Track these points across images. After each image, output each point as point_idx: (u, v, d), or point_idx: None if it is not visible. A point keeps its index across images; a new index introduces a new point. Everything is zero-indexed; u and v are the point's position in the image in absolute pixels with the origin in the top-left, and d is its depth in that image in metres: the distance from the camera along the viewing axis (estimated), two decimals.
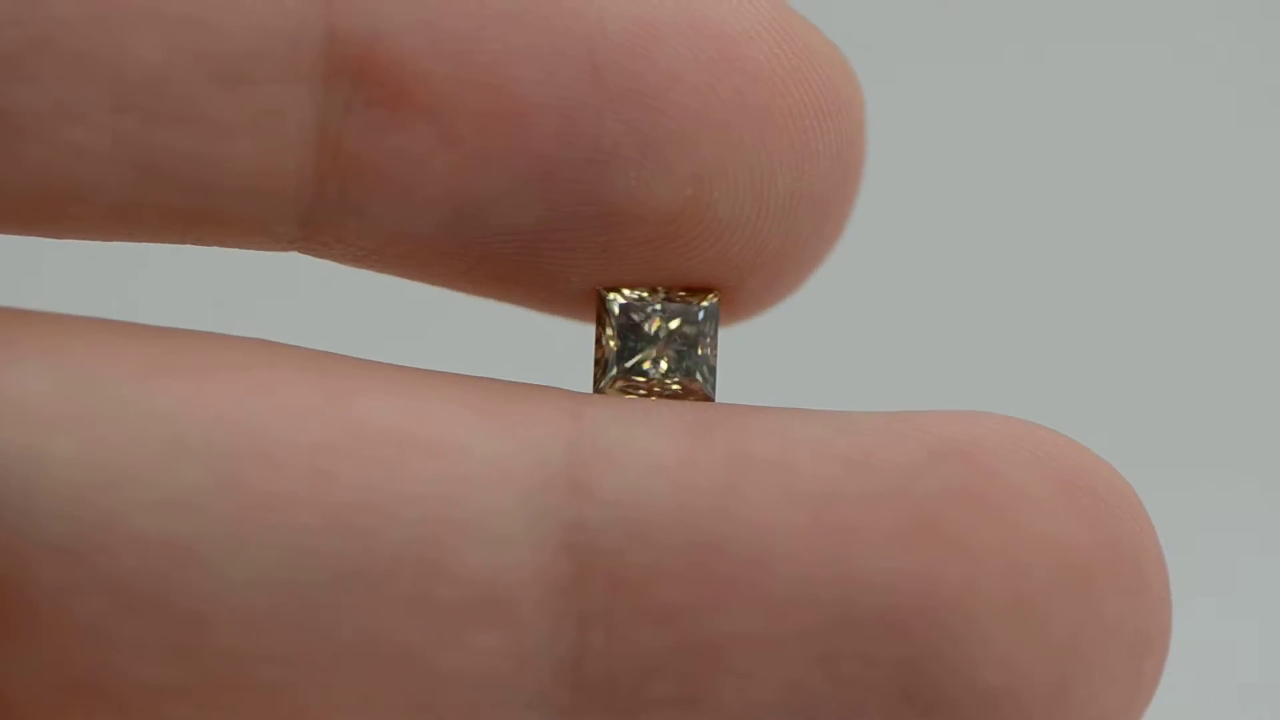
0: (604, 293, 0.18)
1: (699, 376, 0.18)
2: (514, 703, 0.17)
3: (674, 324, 0.18)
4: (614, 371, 0.18)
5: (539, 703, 0.17)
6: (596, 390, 0.18)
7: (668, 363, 0.18)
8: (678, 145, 0.17)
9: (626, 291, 0.18)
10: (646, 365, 0.18)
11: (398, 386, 0.17)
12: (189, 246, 0.18)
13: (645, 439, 0.17)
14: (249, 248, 0.18)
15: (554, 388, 0.17)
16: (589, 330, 0.18)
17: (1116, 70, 0.46)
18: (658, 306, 0.18)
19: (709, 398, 0.18)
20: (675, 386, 0.18)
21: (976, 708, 0.16)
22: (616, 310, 0.18)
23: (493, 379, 0.17)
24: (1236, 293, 0.46)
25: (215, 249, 0.18)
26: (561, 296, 0.18)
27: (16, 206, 0.17)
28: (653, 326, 0.18)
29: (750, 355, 0.23)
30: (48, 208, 0.17)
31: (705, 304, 0.18)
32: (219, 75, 0.17)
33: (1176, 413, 0.45)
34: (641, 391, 0.18)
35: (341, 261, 0.18)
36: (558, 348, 0.23)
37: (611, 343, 0.18)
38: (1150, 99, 0.46)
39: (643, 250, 0.18)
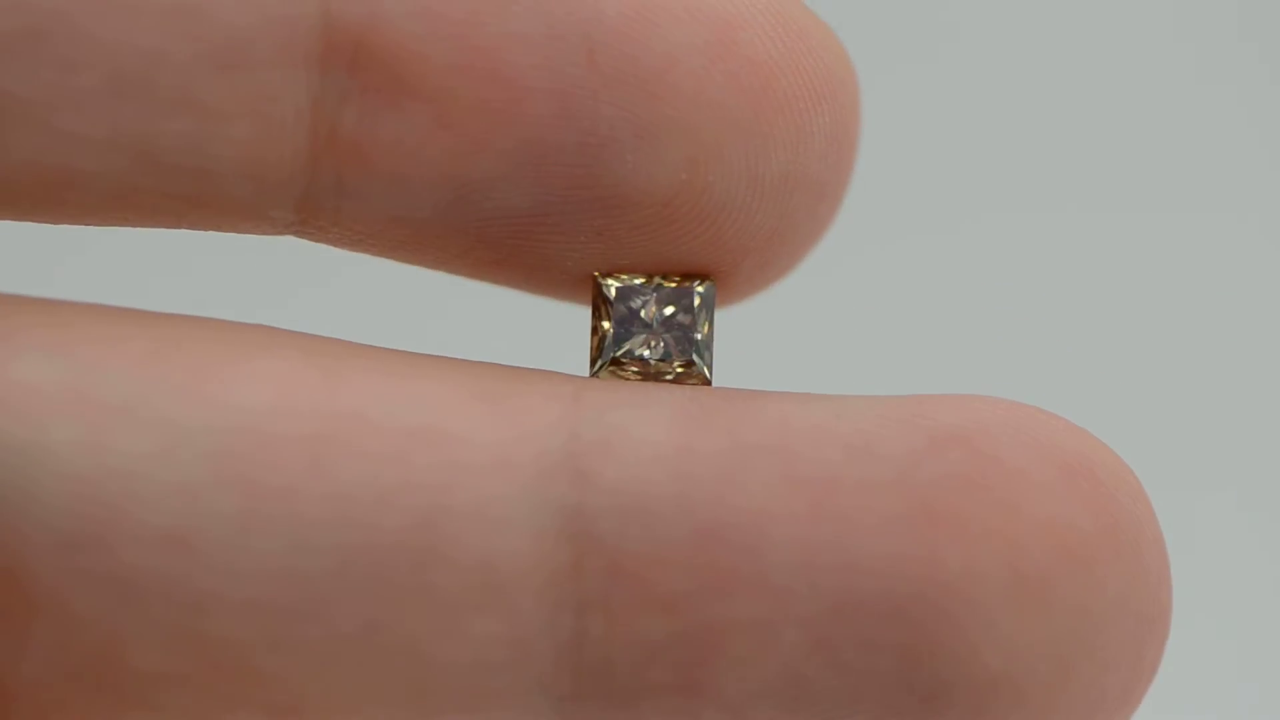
0: (600, 278, 0.18)
1: (696, 361, 0.18)
2: (513, 689, 0.17)
3: (669, 309, 0.18)
4: (610, 357, 0.18)
5: (539, 689, 0.17)
6: (593, 376, 0.18)
7: (664, 348, 0.18)
8: (673, 129, 0.17)
9: (623, 277, 0.18)
10: (643, 351, 0.18)
11: (397, 373, 0.17)
12: (185, 231, 0.18)
13: (644, 426, 0.17)
14: (245, 232, 0.18)
15: (552, 372, 0.17)
16: (585, 312, 0.18)
17: (1114, 56, 0.46)
18: (653, 291, 0.18)
19: (707, 382, 0.18)
20: (670, 375, 0.18)
21: (977, 692, 0.16)
22: (612, 295, 0.18)
23: (491, 364, 0.17)
24: (1240, 271, 0.46)
25: (212, 233, 0.18)
26: (557, 280, 0.18)
27: (12, 193, 0.17)
28: (649, 312, 0.18)
29: (748, 338, 0.23)
30: (44, 194, 0.17)
31: (701, 288, 0.18)
32: (215, 60, 0.17)
33: (1177, 394, 0.45)
34: (639, 376, 0.18)
35: (337, 246, 0.18)
36: (554, 329, 0.23)
37: (608, 328, 0.18)
38: (1150, 90, 0.46)
39: (638, 234, 0.18)
